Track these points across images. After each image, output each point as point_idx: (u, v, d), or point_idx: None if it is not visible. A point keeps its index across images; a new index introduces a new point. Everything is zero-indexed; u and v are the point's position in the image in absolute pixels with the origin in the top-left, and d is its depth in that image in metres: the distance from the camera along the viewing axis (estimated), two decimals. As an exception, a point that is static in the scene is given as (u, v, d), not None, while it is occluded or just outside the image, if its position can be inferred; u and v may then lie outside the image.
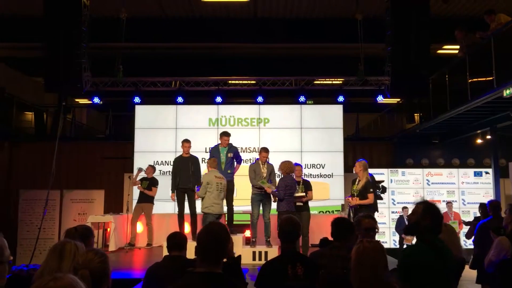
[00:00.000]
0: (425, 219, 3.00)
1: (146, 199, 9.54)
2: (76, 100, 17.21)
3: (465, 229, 10.50)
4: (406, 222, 11.85)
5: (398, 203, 12.34)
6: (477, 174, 12.60)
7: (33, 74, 14.85)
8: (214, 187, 7.48)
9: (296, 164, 8.19)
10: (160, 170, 10.74)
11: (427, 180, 12.60)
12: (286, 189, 7.45)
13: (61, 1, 9.11)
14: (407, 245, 8.30)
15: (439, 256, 2.88)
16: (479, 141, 12.34)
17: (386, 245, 11.86)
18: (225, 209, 8.23)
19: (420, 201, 3.17)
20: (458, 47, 9.98)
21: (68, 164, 12.39)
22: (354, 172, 7.74)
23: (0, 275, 1.78)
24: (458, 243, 3.82)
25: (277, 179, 8.00)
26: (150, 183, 9.63)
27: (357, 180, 7.51)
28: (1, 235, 1.83)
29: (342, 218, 4.03)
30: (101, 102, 10.90)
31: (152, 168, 9.87)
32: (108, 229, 9.58)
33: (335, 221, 3.85)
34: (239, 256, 3.64)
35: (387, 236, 12.31)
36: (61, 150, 11.03)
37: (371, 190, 7.24)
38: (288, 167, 7.60)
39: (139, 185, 9.66)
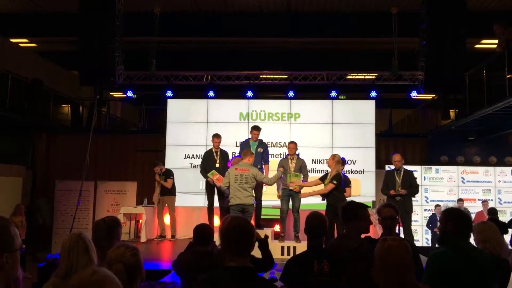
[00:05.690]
0: (447, 224, 3.03)
1: (166, 192, 9.68)
2: (111, 93, 17.56)
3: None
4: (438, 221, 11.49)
5: (431, 200, 12.07)
6: (514, 173, 12.21)
7: (70, 68, 15.24)
8: (232, 180, 7.29)
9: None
10: (191, 164, 10.86)
11: (462, 178, 12.28)
12: None
13: (95, -4, 9.31)
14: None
15: (467, 261, 2.85)
16: (517, 138, 11.95)
17: (418, 243, 11.67)
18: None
19: (444, 209, 3.21)
20: (496, 41, 9.66)
21: (103, 156, 12.66)
22: (327, 166, 7.71)
23: (14, 264, 1.76)
24: (502, 239, 3.67)
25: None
26: (165, 176, 9.76)
27: (329, 174, 7.47)
28: (12, 224, 1.82)
29: (349, 202, 3.93)
30: (134, 96, 11.09)
31: (157, 166, 9.90)
32: (140, 221, 9.76)
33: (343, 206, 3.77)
34: (266, 236, 3.70)
35: (420, 234, 12.07)
36: (96, 142, 11.27)
37: (335, 182, 7.15)
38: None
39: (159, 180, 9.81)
